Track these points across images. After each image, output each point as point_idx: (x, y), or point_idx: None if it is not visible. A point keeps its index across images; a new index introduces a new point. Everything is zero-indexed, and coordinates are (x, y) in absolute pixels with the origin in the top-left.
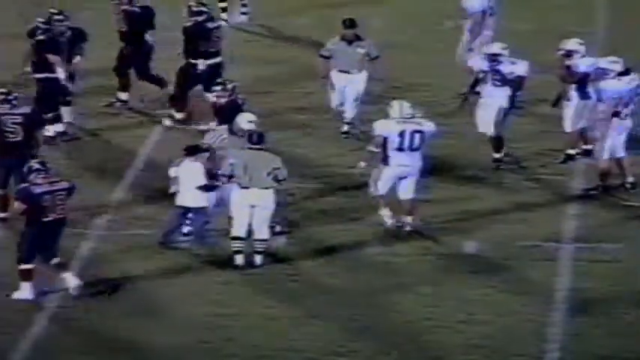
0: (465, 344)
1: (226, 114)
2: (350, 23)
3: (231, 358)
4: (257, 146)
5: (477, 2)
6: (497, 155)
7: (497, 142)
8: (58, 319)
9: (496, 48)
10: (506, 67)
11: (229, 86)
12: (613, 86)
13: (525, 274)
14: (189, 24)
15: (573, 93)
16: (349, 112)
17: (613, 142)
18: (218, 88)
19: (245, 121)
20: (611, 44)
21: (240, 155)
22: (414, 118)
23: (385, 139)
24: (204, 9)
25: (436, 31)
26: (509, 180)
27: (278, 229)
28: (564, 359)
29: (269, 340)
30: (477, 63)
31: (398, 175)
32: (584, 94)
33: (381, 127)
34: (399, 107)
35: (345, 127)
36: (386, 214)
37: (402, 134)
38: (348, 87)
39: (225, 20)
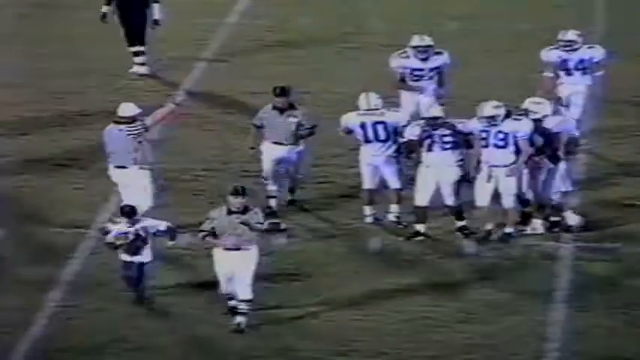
0: (464, 344)
1: None
2: (281, 91)
3: (230, 357)
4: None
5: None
6: (462, 223)
7: (460, 210)
8: (58, 319)
9: (436, 111)
10: (459, 127)
11: None
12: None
13: (525, 274)
14: None
15: None
16: (290, 187)
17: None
18: None
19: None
20: (610, 44)
21: (220, 214)
22: (378, 110)
23: (351, 131)
24: None
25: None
26: None
27: (283, 226)
28: (564, 359)
29: (269, 340)
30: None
31: (371, 164)
32: None
33: (344, 120)
34: (365, 99)
35: (289, 197)
36: (366, 210)
37: (363, 126)
38: (282, 162)
39: (142, 64)
